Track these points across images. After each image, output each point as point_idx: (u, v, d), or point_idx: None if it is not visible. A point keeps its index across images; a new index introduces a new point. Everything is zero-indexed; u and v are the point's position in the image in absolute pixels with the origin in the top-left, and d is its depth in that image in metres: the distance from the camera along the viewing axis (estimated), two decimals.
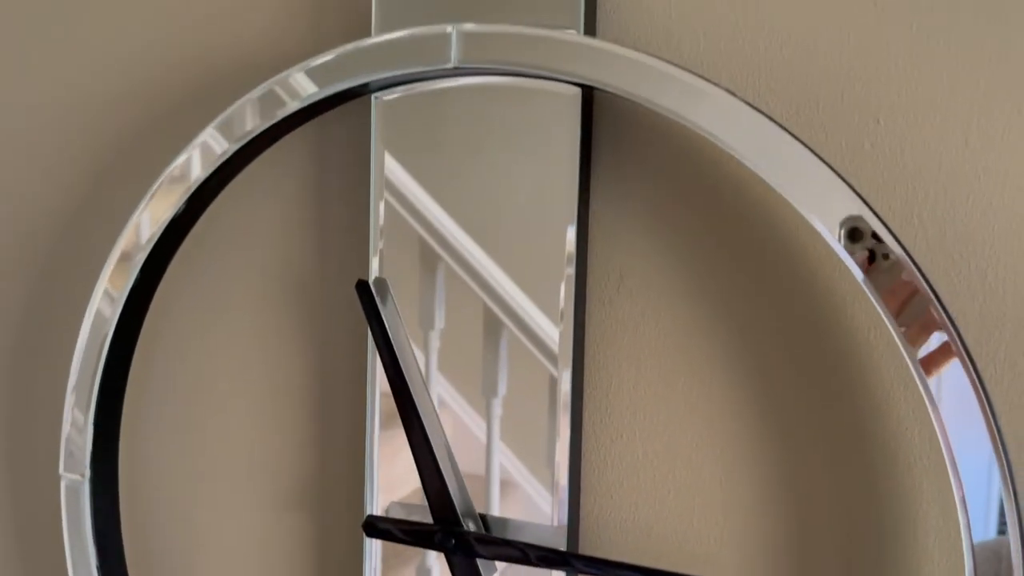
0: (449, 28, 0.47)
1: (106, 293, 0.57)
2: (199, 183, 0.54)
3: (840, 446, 0.47)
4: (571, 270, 0.48)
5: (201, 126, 0.54)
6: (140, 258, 0.56)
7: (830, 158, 0.45)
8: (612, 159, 0.50)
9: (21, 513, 0.69)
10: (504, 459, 0.51)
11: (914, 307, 0.39)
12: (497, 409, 0.51)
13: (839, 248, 0.40)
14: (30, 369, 0.68)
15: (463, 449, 0.52)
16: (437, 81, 0.50)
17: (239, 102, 0.52)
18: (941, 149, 0.44)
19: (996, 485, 0.39)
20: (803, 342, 0.47)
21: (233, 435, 0.61)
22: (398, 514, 0.53)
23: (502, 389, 0.51)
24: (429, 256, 0.52)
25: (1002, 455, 0.39)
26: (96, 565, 0.59)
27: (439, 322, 0.52)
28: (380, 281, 0.53)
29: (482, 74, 0.48)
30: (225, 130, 0.53)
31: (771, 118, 0.41)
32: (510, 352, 0.50)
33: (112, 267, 0.57)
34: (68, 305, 0.63)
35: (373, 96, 0.52)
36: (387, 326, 0.52)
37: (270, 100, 0.52)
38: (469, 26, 0.47)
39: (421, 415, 0.50)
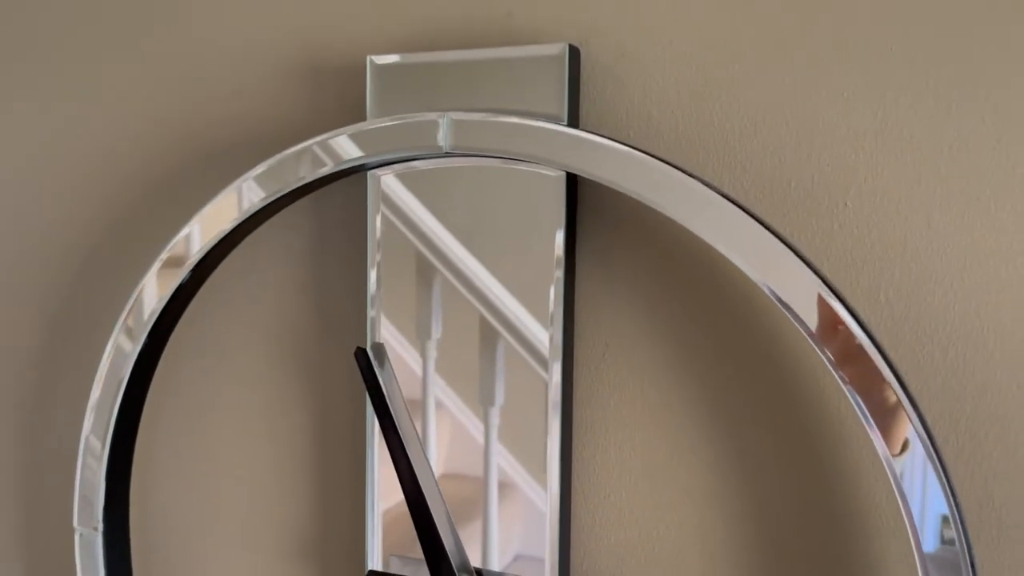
0: (438, 116, 0.50)
1: (116, 354, 0.60)
2: (202, 254, 0.57)
3: (811, 505, 0.50)
4: (559, 336, 0.51)
5: (206, 196, 0.57)
6: (149, 320, 0.59)
7: (801, 238, 0.48)
8: (596, 237, 0.53)
9: (35, 564, 0.72)
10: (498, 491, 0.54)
11: (876, 388, 0.42)
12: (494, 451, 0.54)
13: (811, 338, 0.42)
14: (43, 427, 0.71)
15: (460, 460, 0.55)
16: (430, 161, 0.53)
17: (239, 180, 0.55)
18: (905, 230, 0.47)
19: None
20: (775, 408, 0.50)
21: (238, 489, 0.64)
22: (397, 568, 0.56)
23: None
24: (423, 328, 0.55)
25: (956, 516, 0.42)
26: None
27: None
28: (377, 346, 0.56)
29: (472, 156, 0.51)
30: (228, 203, 0.56)
31: (745, 209, 0.44)
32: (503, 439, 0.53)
33: (119, 332, 0.59)
34: (81, 362, 0.66)
35: (369, 176, 0.55)
36: (384, 390, 0.54)
37: (271, 175, 0.54)
38: (458, 115, 0.49)
39: (419, 478, 0.53)
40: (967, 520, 0.42)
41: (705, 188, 0.44)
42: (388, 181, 0.54)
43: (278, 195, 0.54)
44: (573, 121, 0.50)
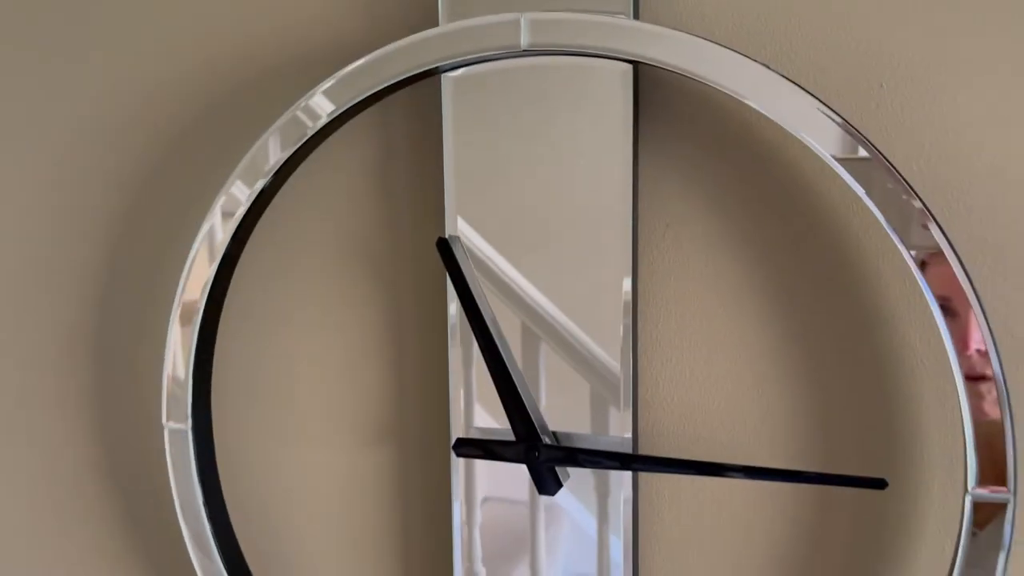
0: (518, 15, 0.55)
1: (202, 253, 0.64)
2: (283, 160, 0.61)
3: (853, 355, 0.57)
4: (628, 221, 0.57)
5: (282, 104, 0.61)
6: (232, 225, 0.63)
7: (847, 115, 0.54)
8: (658, 125, 0.59)
9: (125, 462, 0.76)
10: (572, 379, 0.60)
11: (914, 222, 0.49)
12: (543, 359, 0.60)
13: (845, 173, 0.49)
14: (136, 331, 0.74)
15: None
16: (502, 62, 0.58)
17: (319, 86, 0.59)
18: (934, 108, 0.54)
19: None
20: (819, 269, 0.57)
21: (318, 378, 0.69)
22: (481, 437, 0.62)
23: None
24: (501, 218, 0.60)
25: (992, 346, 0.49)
26: (202, 503, 0.67)
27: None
28: (454, 238, 0.61)
29: (547, 54, 0.56)
30: (308, 110, 0.60)
31: (795, 82, 0.50)
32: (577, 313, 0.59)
33: (203, 236, 0.64)
34: (166, 273, 0.70)
35: (442, 76, 0.59)
36: (466, 277, 0.60)
37: (351, 78, 0.59)
38: (535, 14, 0.55)
39: (501, 352, 0.59)
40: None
41: (758, 65, 0.50)
42: (459, 83, 0.59)
43: (366, 94, 0.58)
44: (636, 16, 0.56)
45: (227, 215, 0.63)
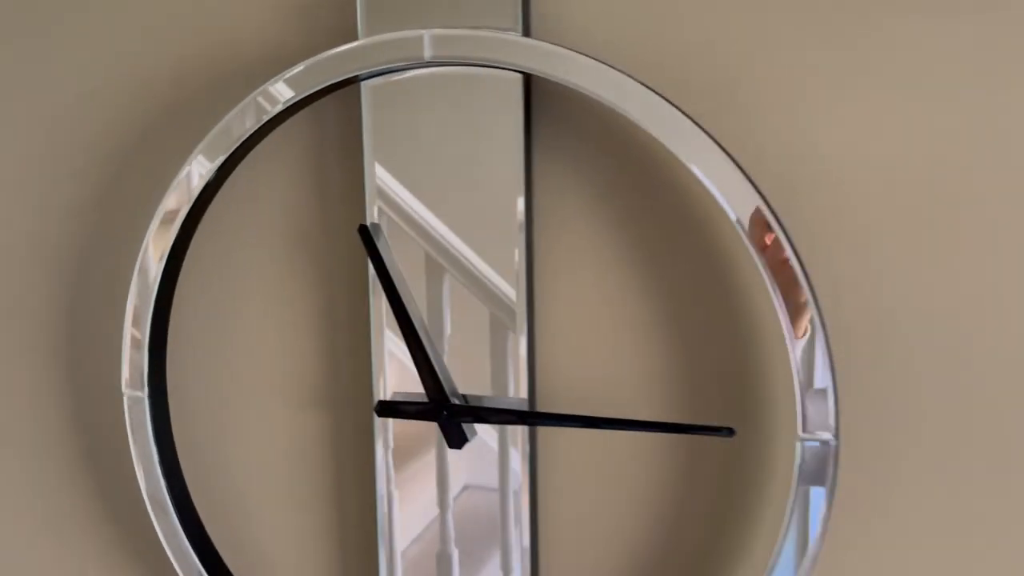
0: (423, 31, 0.63)
1: (154, 245, 0.72)
2: (225, 157, 0.70)
3: (716, 322, 0.66)
4: (522, 210, 0.66)
5: (220, 113, 0.69)
6: (181, 214, 0.71)
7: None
8: (548, 127, 0.68)
9: (86, 428, 0.84)
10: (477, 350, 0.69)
11: (754, 211, 0.58)
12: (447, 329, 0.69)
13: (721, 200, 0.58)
14: (94, 306, 0.82)
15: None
16: (410, 70, 0.66)
17: (257, 91, 0.67)
18: (777, 114, 0.63)
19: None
20: (688, 240, 0.66)
21: (260, 350, 0.78)
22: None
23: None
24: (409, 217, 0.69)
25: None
26: (158, 463, 0.76)
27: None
28: (375, 226, 0.70)
29: (447, 65, 0.65)
30: (246, 112, 0.68)
31: (652, 88, 0.59)
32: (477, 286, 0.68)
33: (156, 226, 0.72)
34: (124, 253, 0.78)
35: (362, 84, 0.68)
36: (383, 259, 0.68)
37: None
38: (438, 30, 0.63)
39: (415, 325, 0.68)
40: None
41: (620, 73, 0.59)
42: (376, 90, 0.68)
43: (292, 102, 0.67)
44: (526, 34, 0.64)
45: (181, 198, 0.71)
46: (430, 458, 0.72)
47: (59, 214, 0.82)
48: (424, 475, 0.72)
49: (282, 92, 0.67)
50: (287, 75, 0.66)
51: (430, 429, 0.69)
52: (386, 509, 0.72)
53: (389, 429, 0.71)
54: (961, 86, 0.60)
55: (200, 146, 0.69)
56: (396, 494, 0.72)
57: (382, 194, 0.69)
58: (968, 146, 0.60)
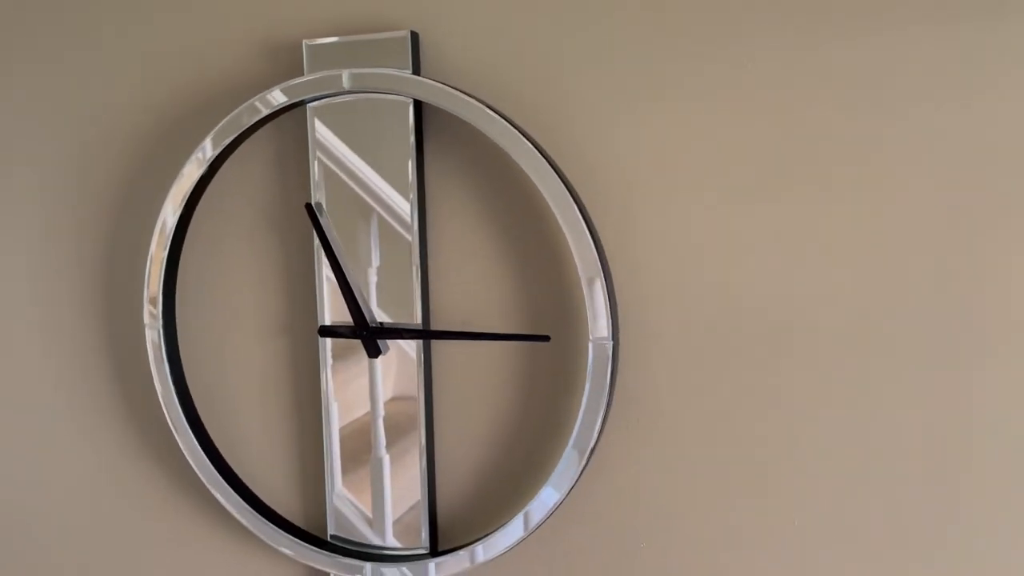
0: (343, 70, 0.93)
1: (165, 221, 1.03)
2: (211, 159, 1.00)
3: (552, 264, 0.95)
4: (415, 202, 0.96)
5: (195, 136, 1.00)
6: (181, 200, 1.02)
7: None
8: (432, 129, 0.97)
9: (115, 356, 1.15)
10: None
11: (571, 206, 0.87)
12: (373, 277, 0.99)
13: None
14: (123, 262, 1.13)
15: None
16: (338, 96, 0.96)
17: (233, 113, 0.97)
18: (600, 132, 0.92)
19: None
20: (530, 221, 0.95)
21: (241, 294, 1.08)
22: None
23: (375, 261, 0.98)
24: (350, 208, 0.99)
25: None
26: (172, 382, 1.06)
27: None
28: (317, 204, 1.00)
29: (360, 92, 0.95)
30: (220, 134, 0.99)
31: (502, 115, 0.88)
32: (382, 233, 0.98)
33: (169, 197, 1.02)
34: (141, 230, 1.09)
35: (308, 106, 0.98)
36: (323, 227, 0.98)
37: (250, 111, 0.97)
38: (355, 70, 0.93)
39: (345, 273, 0.98)
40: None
41: (475, 101, 0.89)
42: (317, 110, 0.98)
43: (267, 113, 0.97)
44: (416, 71, 0.94)
45: (182, 188, 1.02)
46: (359, 368, 1.02)
47: (98, 187, 1.13)
48: (355, 379, 1.02)
49: (274, 100, 0.97)
50: (260, 97, 0.97)
51: (357, 345, 1.00)
52: (327, 402, 1.02)
53: (328, 348, 1.02)
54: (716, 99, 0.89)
55: (203, 143, 1.00)
56: (334, 392, 1.02)
57: (324, 179, 0.99)
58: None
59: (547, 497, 0.93)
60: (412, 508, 1.01)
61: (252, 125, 0.98)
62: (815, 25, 0.85)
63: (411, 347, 1.00)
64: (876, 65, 0.84)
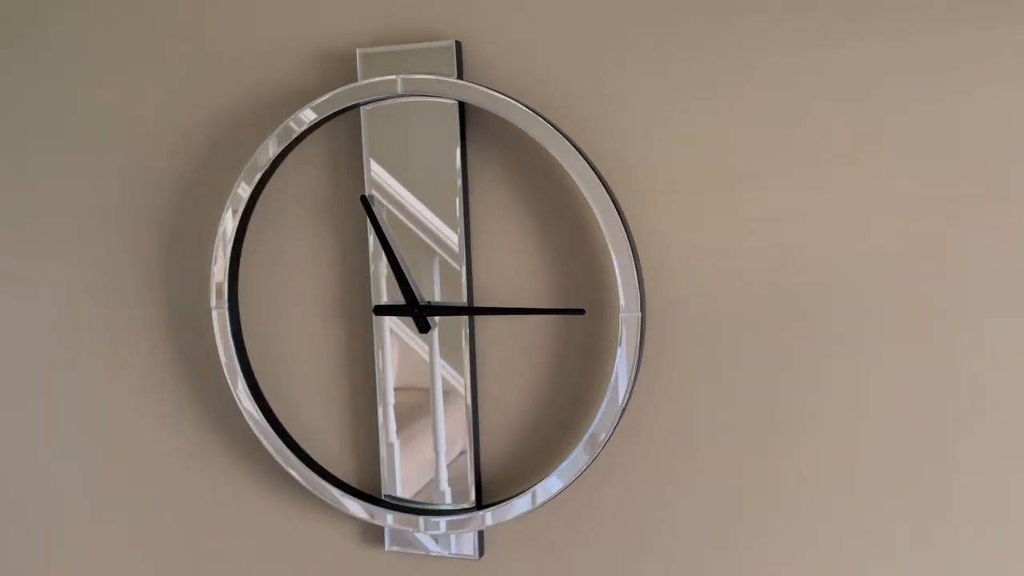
0: (396, 76, 1.05)
1: (232, 213, 1.14)
2: (271, 161, 1.11)
3: (580, 251, 1.07)
4: (461, 194, 1.07)
5: (260, 135, 1.11)
6: (247, 192, 1.13)
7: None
8: (475, 130, 1.09)
9: (180, 338, 1.26)
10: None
11: (603, 192, 0.99)
12: (422, 261, 1.10)
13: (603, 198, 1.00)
14: (192, 247, 1.24)
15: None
16: (390, 100, 1.08)
17: (295, 114, 1.09)
18: (630, 136, 1.04)
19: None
20: (570, 200, 1.07)
21: (300, 278, 1.19)
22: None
23: (427, 245, 1.10)
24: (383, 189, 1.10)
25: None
26: (236, 358, 1.17)
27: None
28: (372, 196, 1.11)
29: (412, 96, 1.06)
30: (283, 133, 1.10)
31: (538, 113, 1.00)
32: (431, 258, 1.09)
33: (232, 195, 1.13)
34: (209, 218, 1.20)
35: (361, 108, 1.09)
36: (376, 217, 1.10)
37: (312, 111, 1.08)
38: (406, 76, 1.05)
39: (397, 257, 1.09)
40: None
41: (511, 101, 1.01)
42: (369, 113, 1.09)
43: (325, 115, 1.08)
44: (460, 77, 1.06)
45: (250, 174, 1.13)
46: (403, 345, 1.13)
47: (169, 181, 1.24)
48: (403, 354, 1.13)
49: (334, 102, 1.08)
50: (319, 101, 1.08)
51: (408, 330, 1.11)
52: (382, 375, 1.14)
53: (387, 327, 1.13)
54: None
55: (265, 142, 1.11)
56: (389, 366, 1.14)
57: (374, 176, 1.11)
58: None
59: (578, 457, 1.05)
60: (457, 466, 1.13)
61: (311, 125, 1.09)
62: (812, 29, 0.97)
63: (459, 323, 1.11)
64: (869, 65, 0.96)
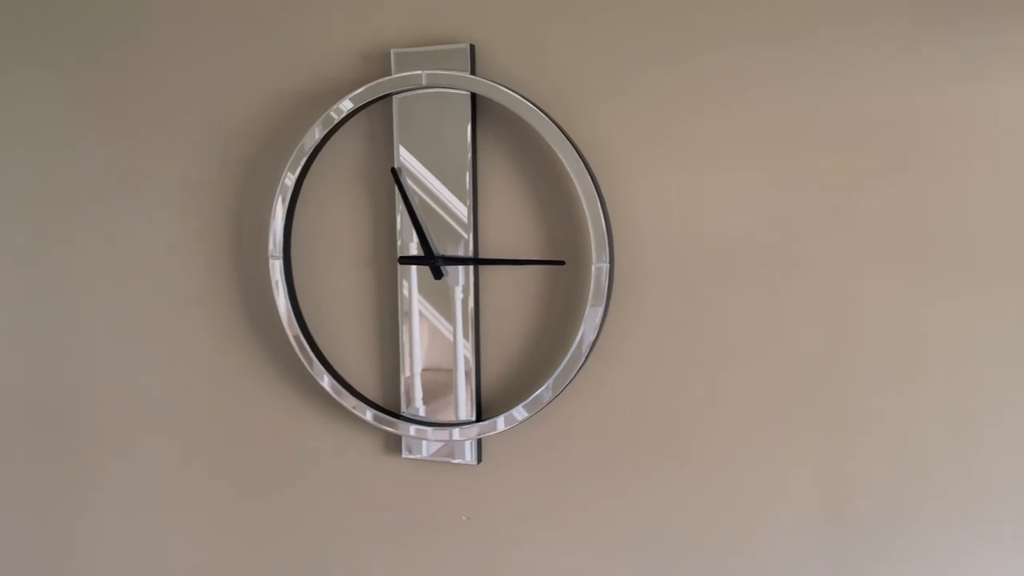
0: (421, 71, 1.31)
1: (284, 185, 1.41)
2: (318, 141, 1.39)
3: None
4: (470, 168, 1.34)
5: (309, 118, 1.38)
6: (299, 165, 1.41)
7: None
8: (485, 117, 1.35)
9: (243, 282, 1.55)
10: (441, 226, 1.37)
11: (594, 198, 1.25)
12: (440, 220, 1.37)
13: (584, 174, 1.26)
14: (255, 207, 1.53)
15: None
16: (416, 91, 1.34)
17: (339, 102, 1.36)
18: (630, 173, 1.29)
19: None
20: (557, 193, 1.33)
21: (338, 232, 1.47)
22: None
23: (442, 208, 1.36)
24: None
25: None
26: (288, 299, 1.45)
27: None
28: (399, 168, 1.38)
29: (434, 88, 1.33)
30: (327, 118, 1.37)
31: (541, 109, 1.26)
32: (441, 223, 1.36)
33: (289, 163, 1.41)
34: (268, 185, 1.48)
35: (393, 97, 1.36)
36: (403, 185, 1.37)
37: (354, 99, 1.35)
38: (430, 71, 1.31)
39: (419, 219, 1.36)
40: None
41: (515, 95, 1.27)
42: (400, 101, 1.36)
43: (362, 104, 1.35)
44: (473, 73, 1.32)
45: (300, 155, 1.40)
46: (422, 291, 1.40)
47: (235, 155, 1.52)
48: (424, 299, 1.40)
49: (371, 92, 1.35)
50: (357, 92, 1.35)
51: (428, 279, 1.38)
52: (407, 314, 1.41)
53: (415, 276, 1.40)
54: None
55: (314, 124, 1.39)
56: (417, 305, 1.41)
57: (402, 153, 1.37)
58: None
59: (560, 377, 1.31)
60: (458, 385, 1.40)
61: (352, 111, 1.36)
62: (743, 47, 1.22)
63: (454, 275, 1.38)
64: (790, 71, 1.21)
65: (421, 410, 1.43)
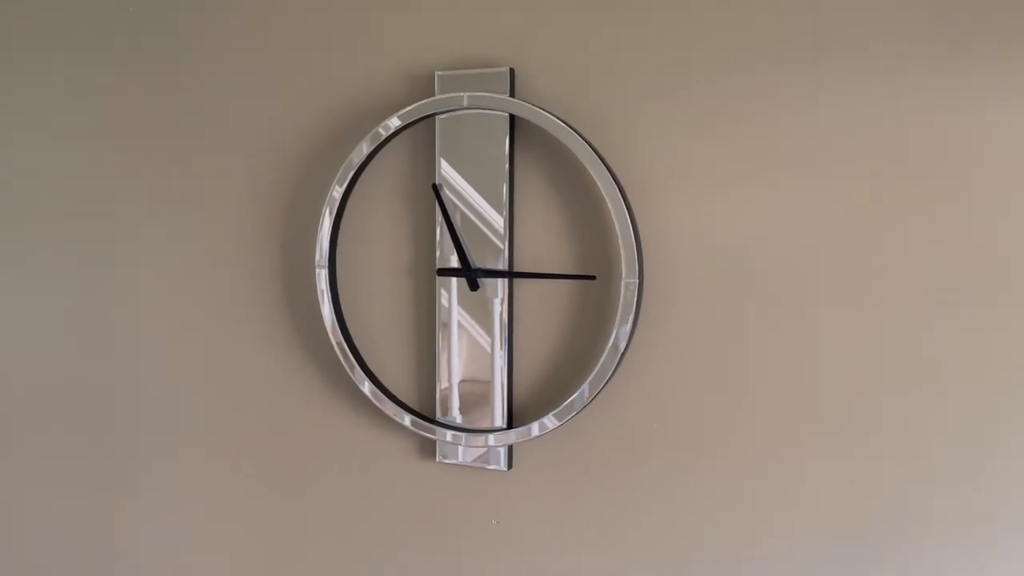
0: (463, 93, 1.39)
1: (332, 198, 1.49)
2: (365, 157, 1.46)
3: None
4: (507, 185, 1.40)
5: (358, 135, 1.46)
6: (347, 179, 1.49)
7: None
8: (522, 137, 1.42)
9: (289, 290, 1.63)
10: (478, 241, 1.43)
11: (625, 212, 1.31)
12: (479, 236, 1.43)
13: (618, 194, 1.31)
14: (304, 220, 1.61)
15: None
16: (458, 111, 1.42)
17: (386, 120, 1.43)
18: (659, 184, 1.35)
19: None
20: (590, 208, 1.39)
21: (381, 243, 1.54)
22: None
23: (480, 225, 1.43)
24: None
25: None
26: (332, 307, 1.53)
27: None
28: (440, 184, 1.45)
29: (475, 109, 1.40)
30: (375, 135, 1.45)
31: (572, 127, 1.32)
32: (479, 236, 1.42)
33: (338, 177, 1.49)
34: (316, 201, 1.56)
35: (436, 117, 1.43)
36: (443, 201, 1.44)
37: (400, 118, 1.43)
38: (471, 93, 1.38)
39: (458, 235, 1.43)
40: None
41: (560, 121, 1.33)
42: (443, 120, 1.43)
43: (408, 122, 1.43)
44: (512, 96, 1.39)
45: (347, 169, 1.48)
46: (462, 304, 1.46)
47: (287, 168, 1.61)
48: (461, 310, 1.47)
49: (416, 112, 1.43)
50: (404, 111, 1.43)
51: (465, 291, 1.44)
52: (445, 323, 1.47)
53: (453, 287, 1.47)
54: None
55: (362, 140, 1.47)
56: (455, 315, 1.47)
57: (443, 170, 1.45)
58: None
59: (591, 385, 1.36)
60: (489, 393, 1.45)
61: (396, 130, 1.44)
62: (797, 54, 1.26)
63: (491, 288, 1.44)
64: (821, 96, 1.25)
65: (458, 417, 1.48)
